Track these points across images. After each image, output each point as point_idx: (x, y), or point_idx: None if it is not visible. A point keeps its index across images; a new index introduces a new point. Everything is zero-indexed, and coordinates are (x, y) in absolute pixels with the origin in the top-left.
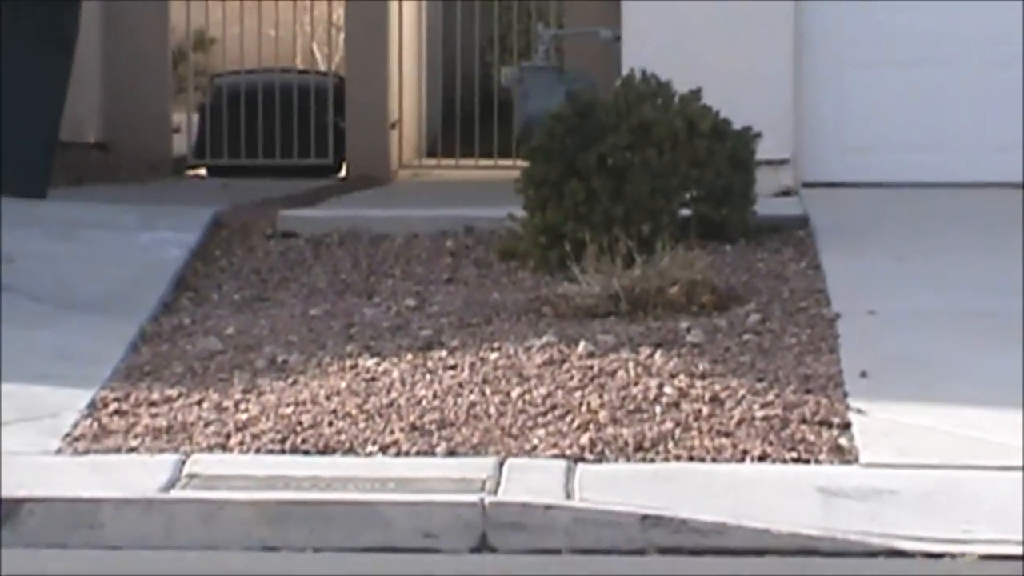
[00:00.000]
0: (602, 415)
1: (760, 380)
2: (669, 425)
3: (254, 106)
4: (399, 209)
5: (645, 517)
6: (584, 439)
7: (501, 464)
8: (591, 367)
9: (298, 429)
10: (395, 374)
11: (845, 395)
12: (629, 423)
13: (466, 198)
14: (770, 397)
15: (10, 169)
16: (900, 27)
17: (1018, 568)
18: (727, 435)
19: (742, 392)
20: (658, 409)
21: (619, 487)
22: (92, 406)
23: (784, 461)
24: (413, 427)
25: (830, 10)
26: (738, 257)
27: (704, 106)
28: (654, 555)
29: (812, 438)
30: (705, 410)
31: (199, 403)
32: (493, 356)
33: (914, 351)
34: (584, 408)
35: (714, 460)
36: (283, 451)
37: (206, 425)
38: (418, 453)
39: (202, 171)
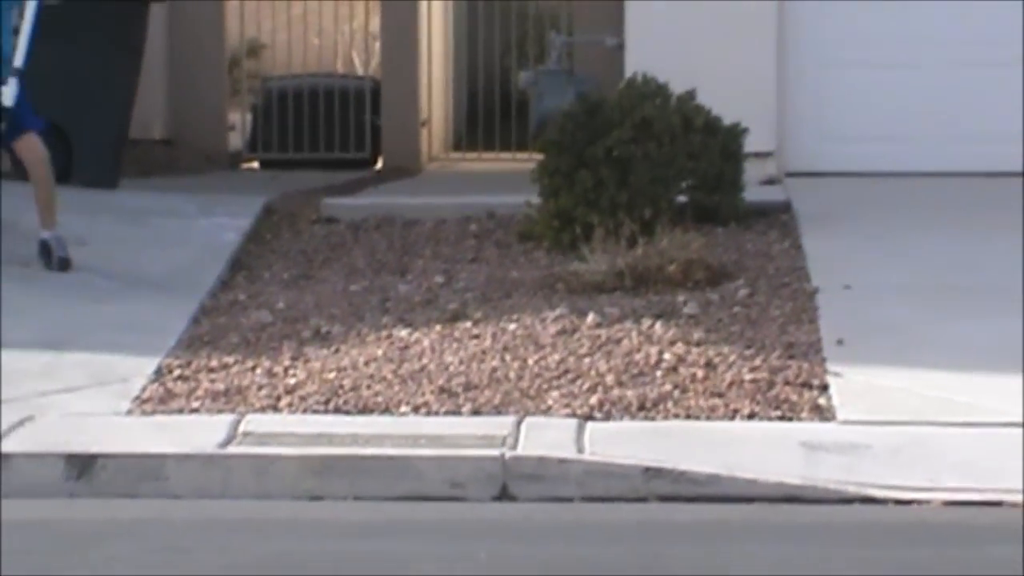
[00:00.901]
0: (609, 378)
1: (749, 347)
2: (668, 387)
3: (300, 106)
4: (428, 197)
5: (647, 469)
6: (593, 400)
7: (520, 422)
8: (599, 336)
9: (340, 392)
10: (425, 343)
11: (824, 360)
12: (633, 385)
13: (488, 187)
14: (757, 362)
15: (85, 162)
16: (873, 31)
17: (978, 513)
18: (719, 396)
19: (733, 358)
20: (658, 373)
21: (624, 442)
22: (158, 372)
23: (770, 419)
24: (442, 390)
25: (810, 18)
26: (729, 238)
27: (698, 105)
28: (655, 503)
29: (795, 398)
30: (700, 374)
31: (253, 369)
32: (512, 326)
33: (886, 321)
34: (593, 372)
35: (708, 418)
36: (327, 411)
37: (259, 389)
38: (446, 413)
39: (254, 164)
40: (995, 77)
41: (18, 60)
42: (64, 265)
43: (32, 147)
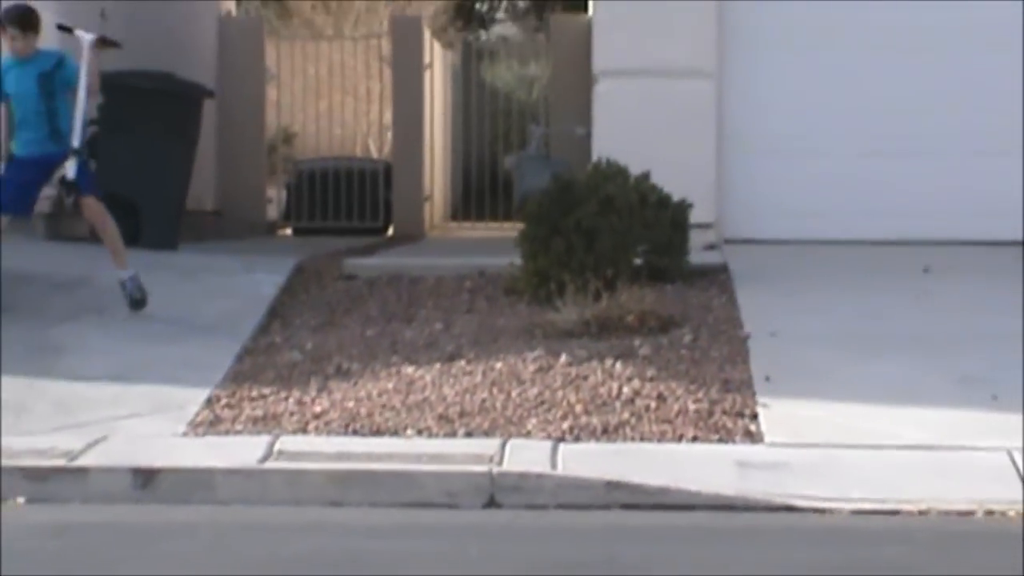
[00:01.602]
0: (578, 408)
1: (692, 383)
2: (626, 415)
3: (326, 183)
4: (430, 258)
5: (609, 482)
6: (565, 425)
7: (504, 444)
8: (570, 373)
9: (357, 418)
10: (428, 378)
11: (754, 394)
12: (598, 414)
13: (479, 250)
14: (699, 395)
15: (151, 229)
16: (791, 127)
17: (879, 520)
18: (668, 423)
19: (679, 391)
20: (618, 404)
21: (590, 461)
22: (209, 401)
23: (710, 442)
24: (440, 416)
25: (744, 116)
26: (676, 294)
27: (652, 184)
28: (616, 510)
29: (730, 425)
30: (653, 404)
31: (286, 399)
32: (499, 365)
33: (805, 362)
34: (565, 403)
35: (659, 441)
36: (346, 434)
37: (291, 415)
38: (444, 435)
39: (288, 231)
40: (891, 165)
41: (75, 141)
42: (136, 305)
43: (92, 206)
